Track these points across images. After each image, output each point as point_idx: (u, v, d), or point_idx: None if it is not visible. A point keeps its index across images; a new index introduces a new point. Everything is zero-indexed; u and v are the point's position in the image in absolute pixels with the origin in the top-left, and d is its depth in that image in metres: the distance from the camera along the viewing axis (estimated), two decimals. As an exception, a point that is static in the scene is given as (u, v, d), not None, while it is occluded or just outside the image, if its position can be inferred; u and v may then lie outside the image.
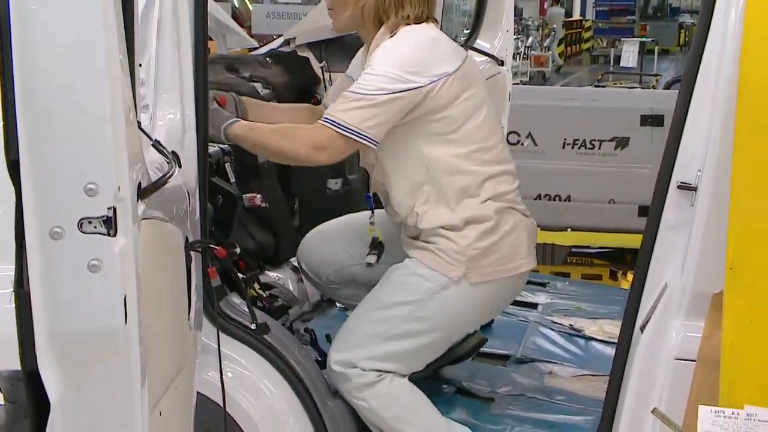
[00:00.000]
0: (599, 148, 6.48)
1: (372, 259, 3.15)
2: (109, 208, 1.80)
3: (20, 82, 1.74)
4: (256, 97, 3.69)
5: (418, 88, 2.78)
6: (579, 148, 6.54)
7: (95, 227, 1.80)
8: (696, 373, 2.55)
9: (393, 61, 2.80)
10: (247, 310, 2.89)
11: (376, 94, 2.76)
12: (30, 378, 1.84)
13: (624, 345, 2.72)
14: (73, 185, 1.79)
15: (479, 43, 5.09)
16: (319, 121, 2.81)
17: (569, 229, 6.42)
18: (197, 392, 2.76)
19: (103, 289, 1.83)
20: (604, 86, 12.80)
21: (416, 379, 3.10)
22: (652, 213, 2.68)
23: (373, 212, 3.16)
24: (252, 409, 2.84)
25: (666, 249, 2.67)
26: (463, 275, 2.87)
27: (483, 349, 3.61)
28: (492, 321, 3.83)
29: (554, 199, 6.56)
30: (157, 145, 2.22)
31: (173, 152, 2.59)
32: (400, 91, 2.77)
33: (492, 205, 2.90)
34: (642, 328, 2.68)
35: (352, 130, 2.76)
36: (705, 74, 2.55)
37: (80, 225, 1.80)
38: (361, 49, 3.13)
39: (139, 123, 2.23)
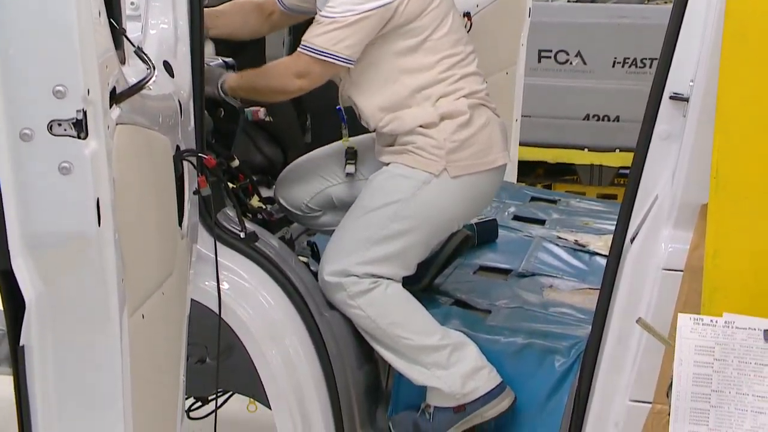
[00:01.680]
0: (650, 67, 6.31)
1: (351, 168, 3.19)
2: (78, 111, 1.81)
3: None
4: None
5: (387, 4, 2.85)
6: (629, 67, 6.39)
7: (65, 130, 1.81)
8: (683, 283, 2.54)
9: None
10: (247, 222, 2.91)
11: (347, 16, 2.83)
12: (5, 277, 1.86)
13: (614, 257, 2.71)
14: (42, 87, 1.80)
15: (497, -43, 5.01)
16: (298, 50, 2.90)
17: (617, 150, 6.31)
18: (196, 301, 2.80)
19: (75, 192, 1.85)
20: (655, 3, 12.56)
21: (414, 291, 3.12)
22: (644, 124, 2.65)
23: (345, 124, 3.18)
24: (249, 318, 2.87)
25: (658, 161, 2.64)
26: (443, 169, 2.94)
27: (484, 264, 3.63)
28: (496, 237, 3.83)
29: (603, 120, 6.45)
30: (138, 52, 2.21)
31: (165, 62, 2.59)
32: (369, 10, 2.83)
33: (465, 101, 3.00)
34: (632, 240, 2.66)
35: (327, 53, 2.85)
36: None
37: (50, 127, 1.81)
38: None
39: (123, 30, 2.23)
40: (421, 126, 2.95)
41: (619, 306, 2.68)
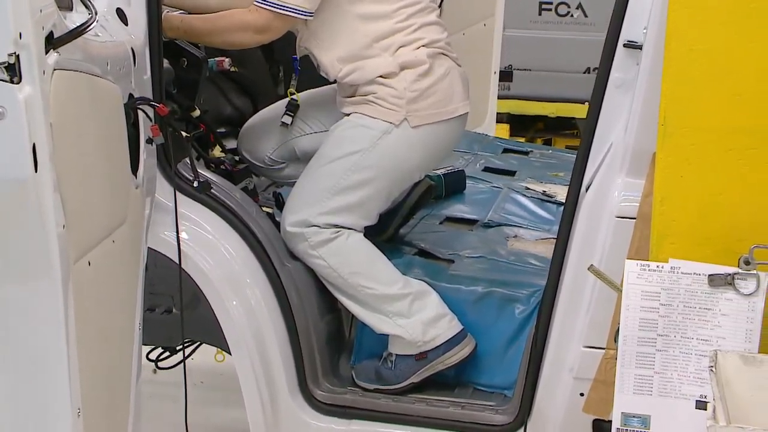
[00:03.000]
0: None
1: (287, 119, 3.19)
2: (10, 55, 1.79)
3: None
4: None
5: None
6: (632, 19, 6.36)
7: None
8: (635, 230, 2.55)
9: None
10: (206, 172, 2.91)
11: None
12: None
13: (570, 205, 2.71)
14: (-31, 30, 1.77)
15: None
16: (254, 4, 2.87)
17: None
18: (156, 251, 2.80)
19: (9, 137, 1.82)
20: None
21: (378, 242, 3.12)
22: (600, 73, 2.65)
23: (297, 75, 3.16)
24: (209, 268, 2.87)
25: (613, 109, 2.64)
26: (403, 119, 2.93)
27: (451, 215, 3.62)
28: (464, 188, 3.82)
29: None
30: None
31: (119, 9, 2.57)
32: None
33: (425, 50, 2.98)
34: (587, 189, 2.65)
35: (287, 7, 2.84)
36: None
37: None
38: None
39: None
40: (381, 76, 2.94)
41: (574, 254, 2.68)
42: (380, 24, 2.95)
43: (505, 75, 7.11)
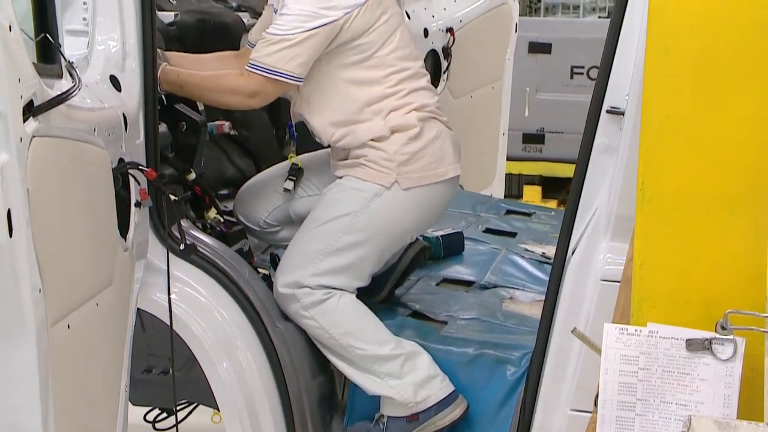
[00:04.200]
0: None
1: (289, 185, 3.21)
2: None
3: None
4: (241, 27, 3.70)
5: (333, 21, 2.87)
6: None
7: None
8: (620, 293, 2.53)
9: None
10: (201, 234, 2.93)
11: (294, 34, 2.85)
12: None
13: (557, 268, 2.70)
14: (-54, 99, 1.79)
15: (482, -30, 5.02)
16: (246, 68, 2.91)
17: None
18: (149, 313, 2.81)
19: (-16, 203, 1.84)
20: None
21: (372, 303, 3.12)
22: (585, 138, 2.65)
23: (295, 141, 3.19)
24: (201, 331, 2.87)
25: (598, 174, 2.64)
26: (394, 181, 2.96)
27: (448, 276, 3.62)
28: (462, 249, 3.82)
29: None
30: (69, 68, 2.22)
31: (112, 76, 2.61)
32: (316, 27, 2.85)
33: (415, 114, 3.01)
34: (573, 251, 2.65)
35: (278, 72, 2.88)
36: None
37: None
38: None
39: (58, 45, 2.24)
40: (372, 140, 2.97)
41: (561, 317, 2.68)
42: (371, 89, 2.98)
43: (537, 138, 7.17)
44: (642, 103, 2.20)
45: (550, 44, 7.23)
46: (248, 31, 3.52)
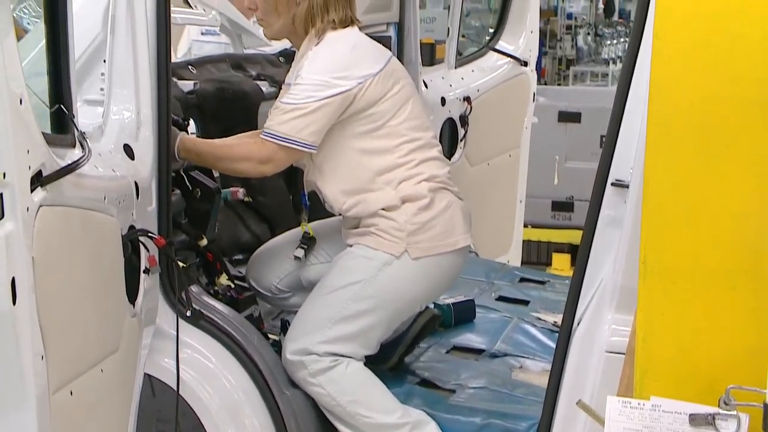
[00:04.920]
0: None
1: (300, 252, 3.22)
2: None
3: None
4: (259, 95, 3.74)
5: (346, 91, 2.90)
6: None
7: None
8: (624, 366, 2.50)
9: (320, 68, 2.92)
10: (211, 300, 2.94)
11: (308, 102, 2.87)
12: None
13: (563, 339, 2.68)
14: (-44, 171, 1.82)
15: (502, 44, 5.08)
16: (260, 136, 2.93)
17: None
18: (157, 378, 2.81)
19: (-12, 272, 1.85)
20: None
21: (381, 370, 3.11)
22: (590, 210, 2.65)
23: (307, 209, 3.20)
24: (208, 396, 2.87)
25: (604, 245, 2.63)
26: (404, 251, 2.95)
27: (459, 344, 3.61)
28: (473, 317, 3.81)
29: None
30: (80, 138, 2.24)
31: (126, 145, 2.64)
32: (329, 97, 2.88)
33: (426, 185, 3.01)
34: (578, 322, 2.63)
35: (292, 140, 2.89)
36: (640, 74, 2.50)
37: None
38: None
39: (72, 116, 2.27)
40: (383, 209, 2.97)
41: (566, 388, 2.65)
42: (382, 159, 2.99)
43: (567, 206, 7.18)
44: (643, 177, 2.21)
45: (580, 113, 7.27)
46: (266, 100, 3.56)
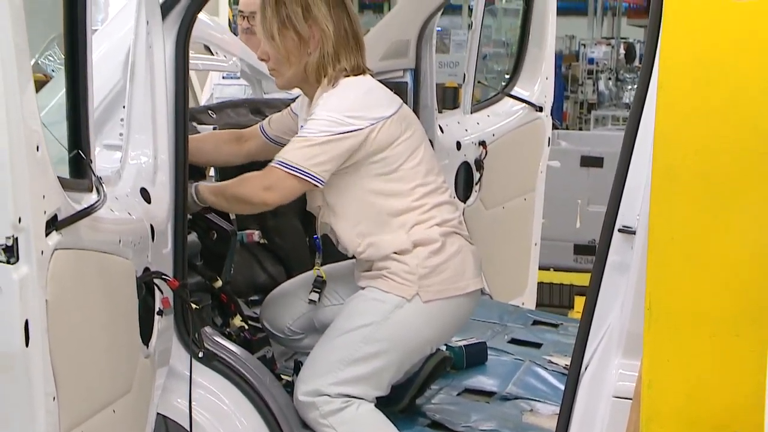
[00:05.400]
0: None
1: (314, 296, 3.21)
2: (8, 238, 1.85)
3: None
4: None
5: (358, 130, 2.91)
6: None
7: None
8: (631, 411, 2.50)
9: (334, 107, 2.93)
10: (223, 340, 2.95)
11: (320, 135, 2.88)
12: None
13: (571, 383, 2.67)
14: (-28, 215, 1.85)
15: (517, 90, 5.11)
16: (270, 164, 2.92)
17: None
18: (169, 418, 2.82)
19: (2, 314, 1.88)
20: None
21: (393, 412, 3.11)
22: (598, 255, 2.65)
23: (320, 253, 3.21)
24: (220, 436, 2.87)
25: (611, 290, 2.63)
26: (415, 294, 2.95)
27: (470, 386, 3.59)
28: (485, 359, 3.80)
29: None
30: (97, 183, 2.27)
31: (143, 189, 2.67)
32: (342, 133, 2.89)
33: (437, 229, 3.01)
34: (586, 367, 2.62)
35: (299, 169, 2.87)
36: (646, 123, 2.51)
37: None
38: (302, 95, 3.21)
39: (89, 161, 2.30)
40: (395, 252, 2.98)
41: (575, 432, 2.63)
42: (396, 202, 3.00)
43: (589, 249, 7.16)
44: (648, 225, 2.21)
45: (602, 158, 7.27)
46: None
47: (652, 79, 2.47)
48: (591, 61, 19.01)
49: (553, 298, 7.23)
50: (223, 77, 5.47)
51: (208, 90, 5.80)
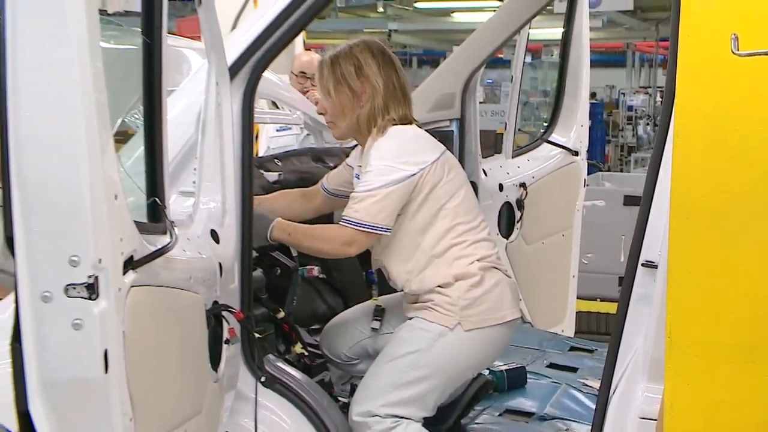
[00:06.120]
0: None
1: (376, 324, 3.23)
2: (90, 276, 1.89)
3: (15, 174, 1.87)
4: None
5: (410, 176, 2.92)
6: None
7: (78, 292, 1.90)
8: (656, 431, 2.46)
9: (386, 154, 2.95)
10: (285, 365, 2.97)
11: (380, 190, 2.90)
12: (23, 417, 1.93)
13: (601, 405, 2.65)
14: (59, 257, 1.90)
15: (555, 136, 5.09)
16: (341, 222, 2.96)
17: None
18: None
19: (84, 344, 1.92)
20: None
21: (439, 431, 3.09)
22: (624, 287, 2.63)
23: (376, 285, 3.22)
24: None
25: (637, 319, 2.61)
26: (457, 323, 2.94)
27: (511, 407, 3.57)
28: (525, 382, 3.77)
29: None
30: (170, 226, 2.31)
31: (213, 230, 2.70)
32: (396, 182, 2.91)
33: (477, 264, 3.00)
34: (614, 390, 2.60)
35: (368, 225, 2.91)
36: (665, 169, 2.50)
37: (66, 290, 1.90)
38: (357, 147, 3.23)
39: (164, 207, 2.34)
40: (438, 286, 2.98)
41: (605, 451, 2.60)
42: (439, 240, 3.00)
43: None
44: (668, 259, 2.20)
45: None
46: None
47: (670, 128, 2.46)
48: (630, 108, 19.03)
49: (600, 326, 7.16)
50: (277, 129, 5.53)
51: (264, 142, 5.86)
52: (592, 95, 20.45)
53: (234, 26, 5.61)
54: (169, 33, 2.37)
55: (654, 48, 20.77)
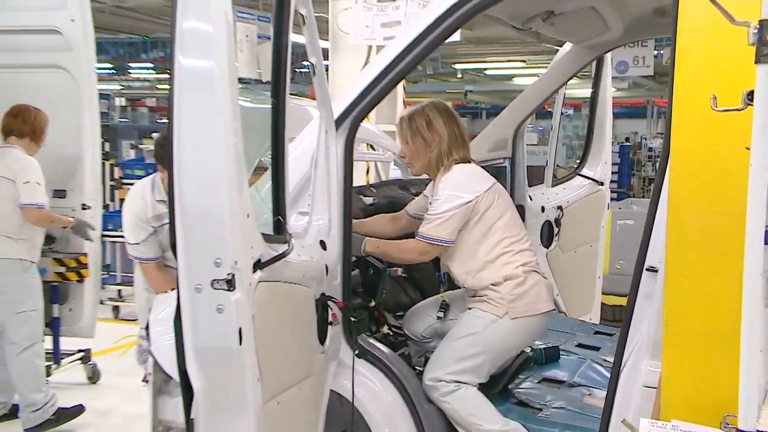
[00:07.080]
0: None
1: (441, 314, 3.23)
2: (229, 274, 1.95)
3: (177, 200, 1.94)
4: None
5: (468, 202, 2.93)
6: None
7: (221, 285, 1.96)
8: (656, 396, 2.40)
9: (450, 186, 2.97)
10: (375, 342, 2.98)
11: (447, 214, 2.92)
12: (183, 374, 2.00)
13: (614, 376, 2.59)
14: (207, 259, 1.96)
15: (585, 170, 5.01)
16: (417, 237, 2.98)
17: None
18: (338, 393, 2.86)
19: (225, 323, 1.97)
20: None
21: (491, 393, 3.07)
22: (632, 287, 2.57)
23: (444, 284, 3.21)
24: (373, 407, 2.88)
25: (642, 311, 2.54)
26: (505, 313, 2.91)
27: (546, 376, 3.51)
28: (558, 358, 3.71)
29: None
30: (289, 237, 2.35)
31: (321, 240, 2.74)
32: (458, 207, 2.92)
33: (521, 268, 2.97)
34: (624, 364, 2.54)
35: (439, 240, 2.94)
36: (664, 193, 2.43)
37: (212, 283, 1.96)
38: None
39: (285, 223, 2.39)
40: (491, 284, 2.96)
41: (616, 410, 2.55)
42: (491, 249, 2.99)
43: None
44: (666, 266, 2.15)
45: None
46: None
47: (668, 165, 2.40)
48: (650, 149, 18.88)
49: (621, 316, 6.94)
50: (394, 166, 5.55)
51: (374, 174, 5.89)
52: (626, 139, 20.25)
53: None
54: (304, 96, 2.43)
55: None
